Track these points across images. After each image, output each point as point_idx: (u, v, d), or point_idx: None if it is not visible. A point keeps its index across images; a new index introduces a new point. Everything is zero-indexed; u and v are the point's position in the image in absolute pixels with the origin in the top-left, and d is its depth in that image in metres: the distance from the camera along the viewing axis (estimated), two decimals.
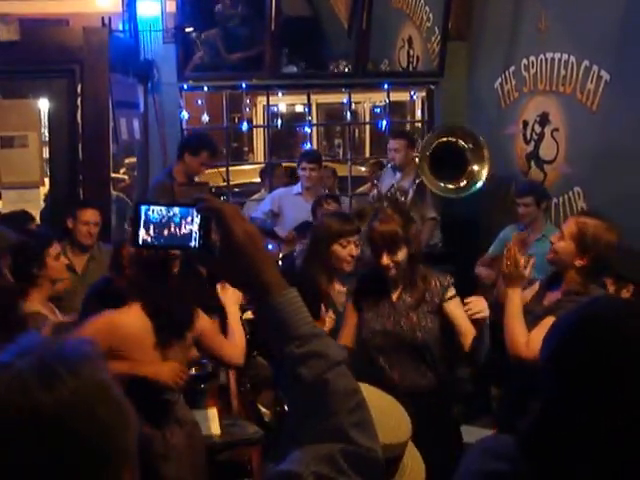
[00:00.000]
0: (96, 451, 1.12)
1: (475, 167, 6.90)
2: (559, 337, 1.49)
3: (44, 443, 1.09)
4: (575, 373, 1.42)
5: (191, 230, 1.51)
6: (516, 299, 3.90)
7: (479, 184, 6.90)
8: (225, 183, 7.85)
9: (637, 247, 4.78)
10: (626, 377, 1.39)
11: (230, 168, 7.98)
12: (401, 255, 3.98)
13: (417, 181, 6.97)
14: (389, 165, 7.41)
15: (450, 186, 6.93)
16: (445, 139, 6.97)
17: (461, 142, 6.97)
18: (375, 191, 7.12)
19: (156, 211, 1.52)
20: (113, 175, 7.43)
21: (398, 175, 7.14)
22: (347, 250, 4.48)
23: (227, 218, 1.45)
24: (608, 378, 1.39)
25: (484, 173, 6.88)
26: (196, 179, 6.84)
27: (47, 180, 6.68)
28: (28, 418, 1.09)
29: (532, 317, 3.89)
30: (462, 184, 6.92)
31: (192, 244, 1.51)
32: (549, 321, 3.71)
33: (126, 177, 7.92)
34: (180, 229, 1.51)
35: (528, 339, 3.77)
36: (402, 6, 8.41)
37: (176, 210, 1.52)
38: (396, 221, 4.00)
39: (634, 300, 3.80)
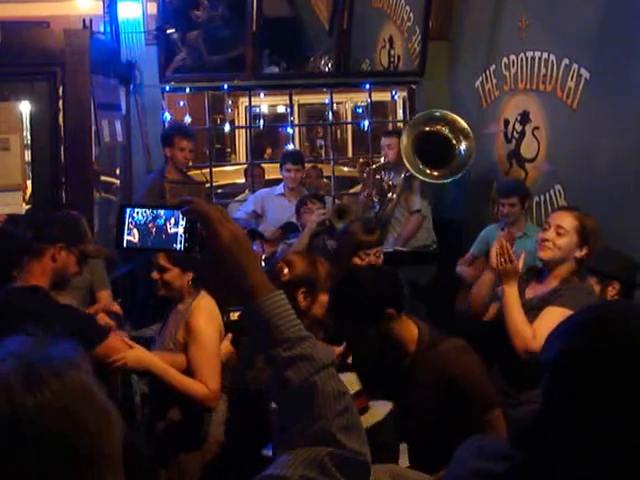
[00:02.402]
0: (79, 454, 1.12)
1: (462, 147, 6.89)
2: (565, 339, 1.48)
3: (26, 446, 1.09)
4: (580, 376, 1.42)
5: (176, 232, 1.52)
6: (513, 294, 3.94)
7: (469, 163, 6.89)
8: (208, 184, 7.85)
9: (619, 245, 4.83)
10: (633, 380, 1.39)
11: (213, 169, 7.99)
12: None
13: (406, 174, 6.99)
14: (381, 163, 7.46)
15: (435, 172, 6.94)
16: (426, 128, 6.99)
17: (441, 128, 6.99)
18: (366, 192, 7.18)
19: (141, 213, 1.53)
20: (104, 178, 7.40)
21: (392, 173, 7.18)
22: (365, 262, 4.47)
23: (213, 220, 1.45)
24: (614, 381, 1.39)
25: (472, 154, 6.87)
26: (195, 179, 6.95)
27: (29, 183, 6.65)
28: (10, 420, 1.09)
29: (525, 309, 3.95)
30: (452, 167, 6.93)
31: (177, 247, 1.52)
32: (550, 311, 3.83)
33: (117, 181, 7.86)
34: (165, 231, 1.52)
35: (533, 332, 3.80)
36: (383, 6, 8.43)
37: (161, 212, 1.52)
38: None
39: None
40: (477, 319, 4.20)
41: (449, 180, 6.95)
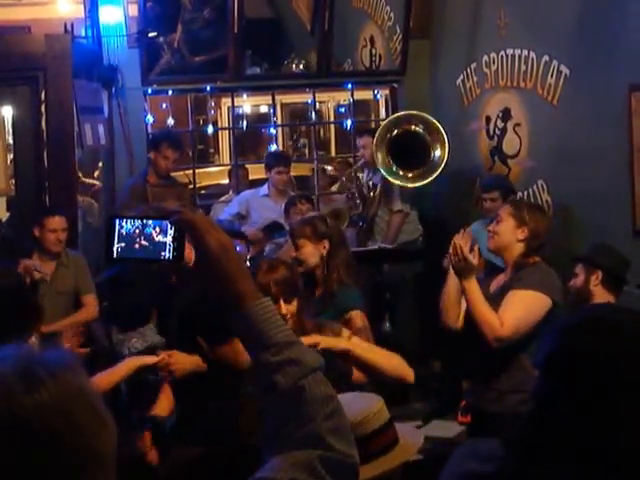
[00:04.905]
0: (75, 455, 1.14)
1: (437, 153, 6.88)
2: (554, 341, 1.49)
3: (24, 445, 1.11)
4: (570, 377, 1.43)
5: (165, 242, 1.54)
6: (474, 288, 4.01)
7: (438, 170, 6.85)
8: (191, 185, 7.85)
9: (601, 239, 4.88)
10: (622, 381, 1.40)
11: (196, 170, 7.99)
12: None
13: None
14: (360, 163, 7.50)
15: (408, 174, 6.92)
16: (401, 129, 6.97)
17: (416, 128, 6.96)
18: (349, 191, 7.24)
19: (130, 223, 1.55)
20: (86, 180, 7.41)
21: (370, 172, 7.21)
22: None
23: (201, 230, 1.47)
24: (604, 382, 1.40)
25: (444, 158, 6.84)
26: (178, 181, 6.96)
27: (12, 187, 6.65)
28: (8, 420, 1.11)
29: (489, 301, 4.02)
30: (420, 172, 6.89)
31: (166, 256, 1.54)
32: (512, 295, 3.97)
33: (97, 182, 7.87)
34: (154, 241, 1.54)
35: (500, 319, 3.89)
36: (363, 6, 8.45)
37: (150, 222, 1.54)
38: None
39: (627, 307, 3.92)
40: (450, 331, 4.24)
41: (421, 184, 6.90)
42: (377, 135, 6.85)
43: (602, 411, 1.40)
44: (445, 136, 6.78)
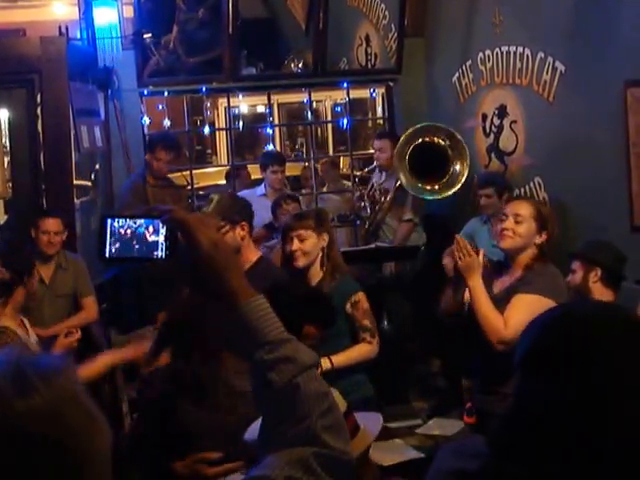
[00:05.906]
0: (68, 460, 1.14)
1: (457, 167, 6.78)
2: (534, 336, 1.48)
3: (16, 449, 1.11)
4: (549, 372, 1.42)
5: (157, 241, 1.54)
6: (479, 288, 3.95)
7: (457, 186, 6.76)
8: (189, 186, 7.85)
9: (598, 235, 4.88)
10: (602, 375, 1.39)
11: (194, 171, 7.99)
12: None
13: (399, 182, 6.90)
14: (373, 166, 7.50)
15: (427, 187, 6.86)
16: (423, 139, 6.87)
17: (440, 141, 6.85)
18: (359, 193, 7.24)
19: (122, 223, 1.55)
20: (83, 183, 7.41)
21: (383, 175, 7.20)
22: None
23: (192, 228, 1.47)
24: (584, 376, 1.39)
25: (464, 174, 6.74)
26: (176, 183, 6.96)
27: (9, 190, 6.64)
28: (1, 425, 1.11)
29: (494, 302, 3.96)
30: (439, 185, 6.80)
31: (159, 255, 1.54)
32: (518, 299, 3.89)
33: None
34: (146, 240, 1.54)
35: (504, 321, 3.85)
36: (358, 5, 8.46)
37: (142, 221, 1.55)
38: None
39: (607, 302, 3.91)
40: (447, 318, 4.25)
41: (437, 197, 6.83)
42: (399, 144, 6.78)
43: (579, 407, 1.39)
44: (467, 152, 6.71)
